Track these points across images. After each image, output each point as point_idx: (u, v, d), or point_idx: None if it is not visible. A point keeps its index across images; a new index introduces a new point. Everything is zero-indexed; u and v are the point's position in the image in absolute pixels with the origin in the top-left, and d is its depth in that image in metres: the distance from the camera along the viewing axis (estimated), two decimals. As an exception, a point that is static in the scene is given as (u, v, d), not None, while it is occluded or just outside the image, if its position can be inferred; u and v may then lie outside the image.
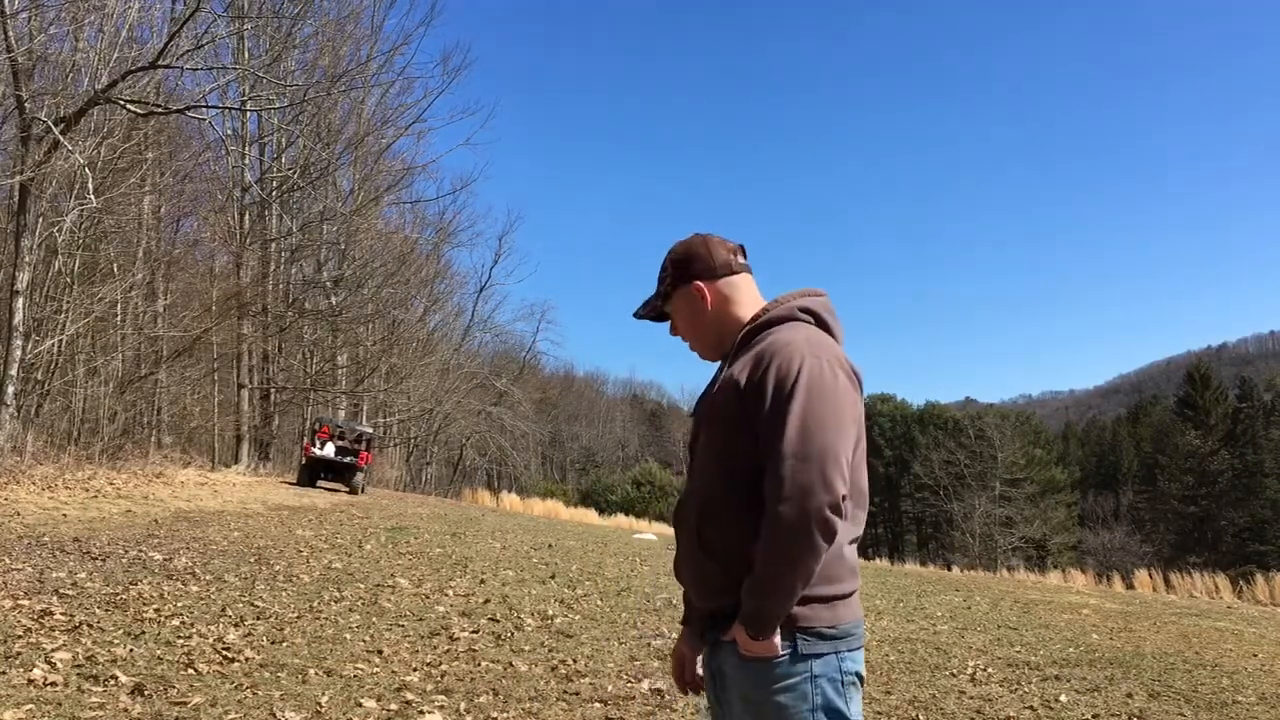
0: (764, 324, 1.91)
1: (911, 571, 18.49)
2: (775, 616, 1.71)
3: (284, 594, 6.72)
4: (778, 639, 1.72)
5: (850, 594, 1.80)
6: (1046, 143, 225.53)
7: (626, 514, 35.25)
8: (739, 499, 1.79)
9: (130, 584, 6.36)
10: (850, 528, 1.79)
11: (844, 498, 1.69)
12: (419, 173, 35.09)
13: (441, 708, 4.22)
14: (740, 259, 1.99)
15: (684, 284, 1.97)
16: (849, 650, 1.78)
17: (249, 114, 21.88)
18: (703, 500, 1.85)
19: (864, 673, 1.83)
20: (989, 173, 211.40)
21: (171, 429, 22.05)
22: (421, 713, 4.11)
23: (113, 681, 4.03)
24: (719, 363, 2.02)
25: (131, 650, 4.59)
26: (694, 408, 2.06)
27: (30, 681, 3.90)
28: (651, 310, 2.04)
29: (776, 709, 1.74)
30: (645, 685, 5.01)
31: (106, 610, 5.45)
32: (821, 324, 1.93)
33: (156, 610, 5.60)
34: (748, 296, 1.98)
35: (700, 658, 2.01)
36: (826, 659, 1.74)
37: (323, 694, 4.21)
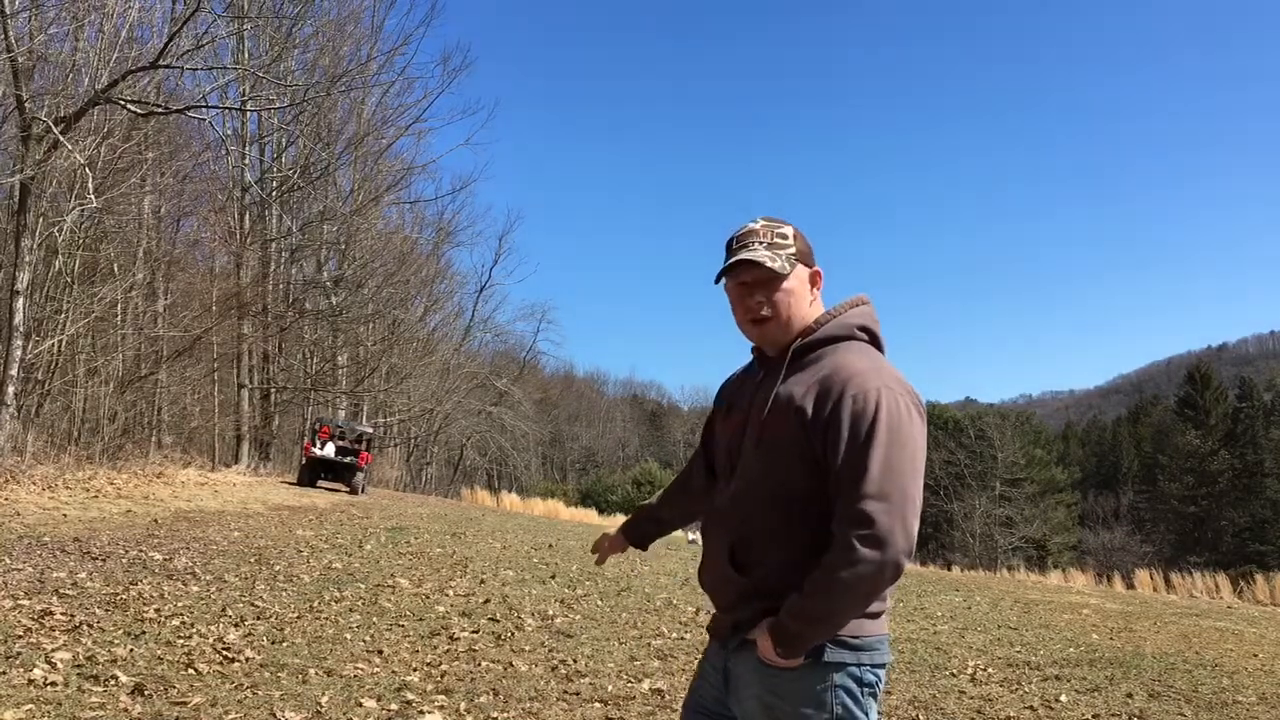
0: (819, 340, 1.85)
1: (911, 571, 18.48)
2: (812, 643, 1.71)
3: (284, 594, 6.72)
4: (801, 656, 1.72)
5: (878, 613, 1.78)
6: (1044, 143, 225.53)
7: (626, 514, 34.96)
8: (783, 526, 1.78)
9: (130, 584, 6.36)
10: None
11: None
12: (419, 173, 35.19)
13: (441, 708, 4.22)
14: None
15: (806, 265, 1.89)
16: (870, 664, 1.76)
17: (249, 114, 21.90)
18: (741, 521, 1.84)
19: (883, 686, 1.82)
20: (989, 172, 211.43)
21: (171, 429, 22.04)
22: (421, 713, 4.11)
23: (113, 681, 4.03)
24: (757, 356, 1.97)
25: (131, 650, 4.59)
26: (727, 401, 2.01)
27: (30, 681, 3.90)
28: (764, 272, 1.84)
29: (795, 715, 1.73)
30: (645, 685, 5.01)
31: (106, 610, 5.45)
32: (875, 341, 1.90)
33: (156, 610, 5.60)
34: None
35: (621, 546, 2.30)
36: (847, 669, 1.74)
37: (323, 694, 4.21)
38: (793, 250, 1.87)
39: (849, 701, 1.73)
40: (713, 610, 1.97)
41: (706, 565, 1.93)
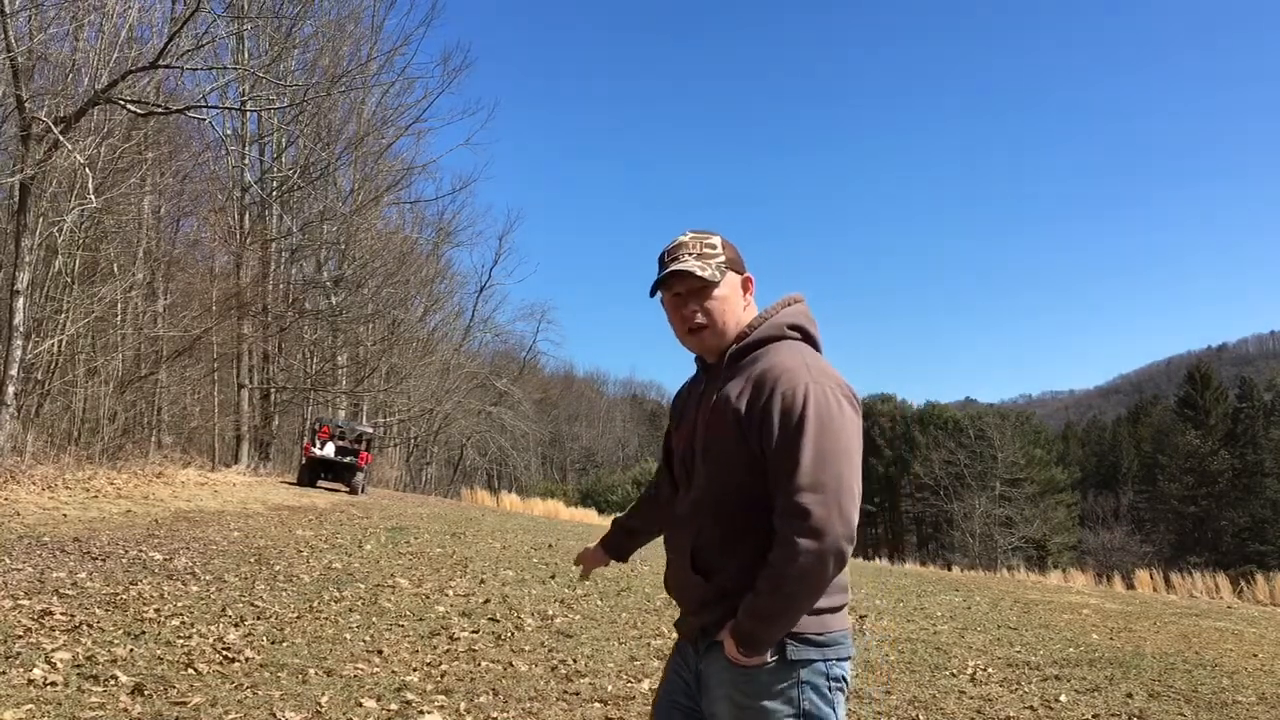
0: (754, 343, 1.91)
1: (911, 571, 18.48)
2: (772, 639, 1.75)
3: (284, 594, 6.72)
4: (766, 653, 1.76)
5: (839, 607, 1.84)
6: (1045, 143, 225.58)
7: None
8: (739, 528, 1.84)
9: (130, 584, 6.36)
10: None
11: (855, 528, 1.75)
12: (419, 173, 35.09)
13: (441, 708, 4.22)
14: None
15: (737, 272, 1.96)
16: (836, 658, 1.81)
17: (249, 114, 21.89)
18: (700, 527, 1.89)
19: (850, 680, 1.87)
20: (988, 173, 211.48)
21: (171, 429, 22.03)
22: (421, 713, 4.11)
23: (113, 681, 4.03)
24: (700, 365, 2.04)
25: (131, 650, 4.59)
26: (677, 412, 2.08)
27: (30, 681, 3.90)
28: (695, 281, 1.89)
29: (763, 713, 1.77)
30: (645, 685, 5.01)
31: (106, 610, 5.45)
32: (809, 338, 1.95)
33: (156, 610, 5.60)
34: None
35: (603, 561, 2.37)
36: (814, 665, 1.79)
37: (323, 694, 4.22)
38: (722, 259, 1.93)
39: (815, 698, 1.78)
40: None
41: (671, 571, 1.99)
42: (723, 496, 1.85)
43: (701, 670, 1.89)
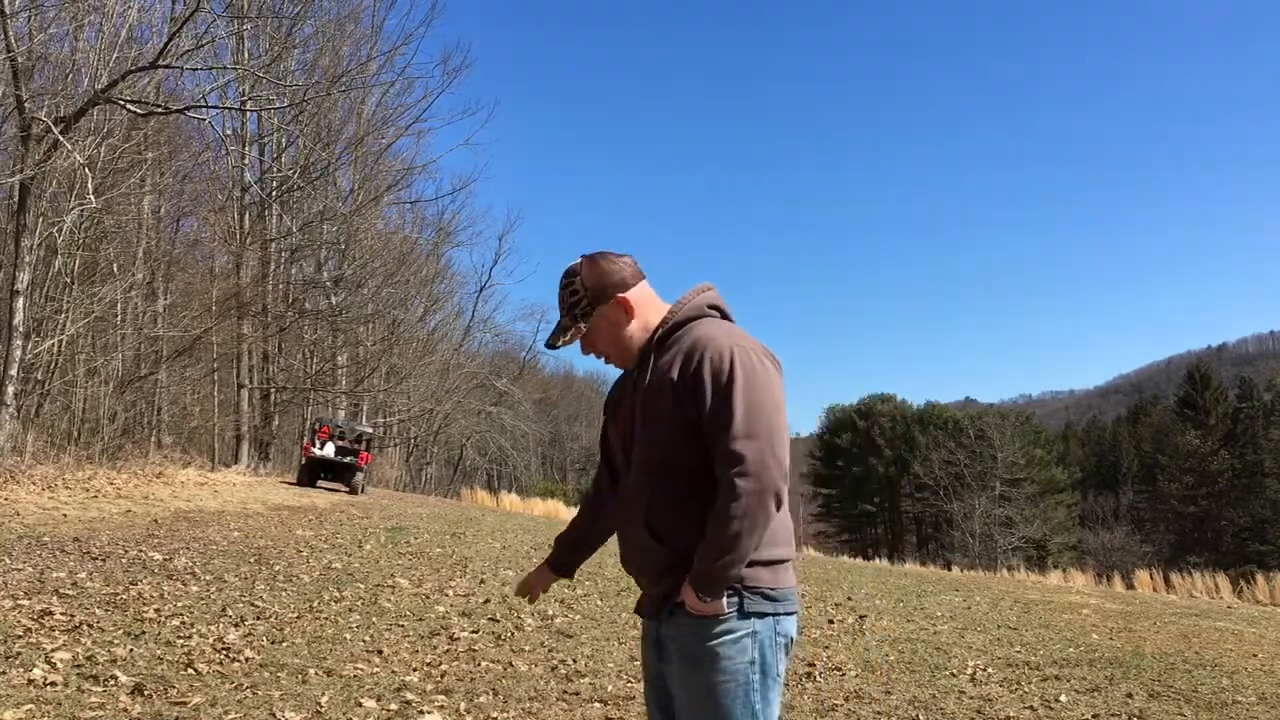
0: (676, 324, 2.05)
1: (911, 571, 18.46)
2: (726, 579, 1.86)
3: (284, 594, 6.72)
4: (724, 600, 1.87)
5: (788, 560, 1.96)
6: (1046, 142, 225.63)
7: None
8: (682, 488, 1.94)
9: (130, 584, 6.36)
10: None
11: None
12: (419, 173, 35.06)
13: (441, 708, 4.23)
14: (637, 267, 2.11)
15: (604, 302, 2.05)
16: (786, 614, 1.95)
17: (249, 114, 21.89)
18: (649, 496, 1.98)
19: (795, 637, 2.00)
20: (989, 173, 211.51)
21: (171, 429, 22.04)
22: (421, 713, 4.11)
23: (113, 681, 4.03)
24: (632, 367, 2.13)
25: (131, 650, 4.60)
26: (612, 406, 2.18)
27: (30, 681, 3.90)
28: (577, 335, 2.06)
29: (715, 658, 1.88)
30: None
31: (106, 610, 5.45)
32: (726, 316, 2.11)
33: (156, 610, 5.60)
34: (654, 300, 2.11)
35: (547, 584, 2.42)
36: (766, 619, 1.91)
37: (323, 694, 4.22)
38: (584, 302, 2.05)
39: (766, 648, 1.90)
40: (639, 592, 2.11)
41: (628, 547, 2.08)
42: (665, 464, 1.95)
43: (662, 636, 1.99)
